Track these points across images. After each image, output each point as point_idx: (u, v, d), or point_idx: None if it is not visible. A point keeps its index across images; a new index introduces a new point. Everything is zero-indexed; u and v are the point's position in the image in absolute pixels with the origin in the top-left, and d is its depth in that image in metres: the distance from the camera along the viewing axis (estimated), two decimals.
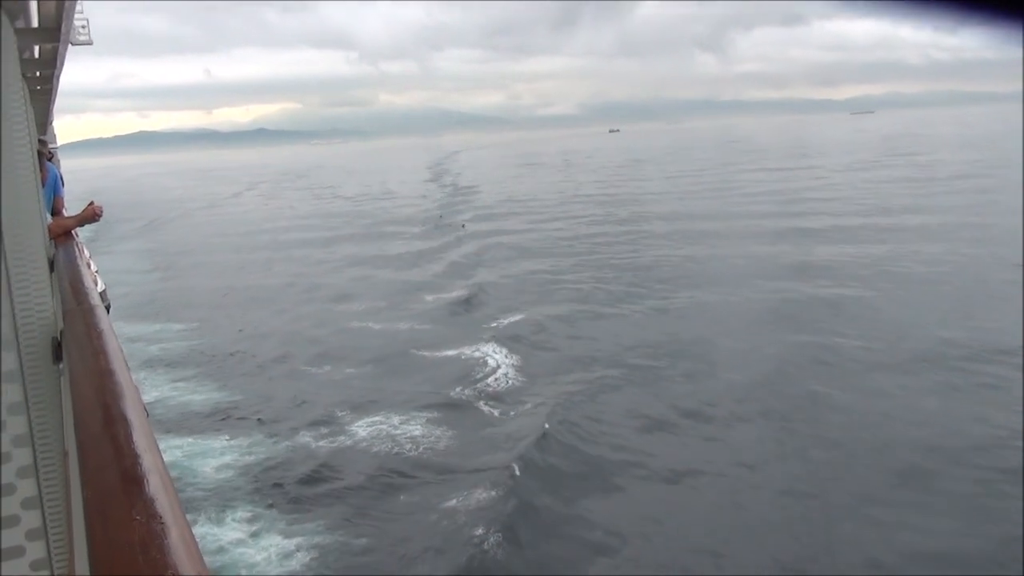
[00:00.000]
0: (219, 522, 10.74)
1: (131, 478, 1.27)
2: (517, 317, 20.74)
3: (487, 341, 18.42)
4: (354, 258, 33.68)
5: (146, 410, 1.73)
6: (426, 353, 18.08)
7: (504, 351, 17.34)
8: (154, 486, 1.24)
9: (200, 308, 24.58)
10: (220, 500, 11.30)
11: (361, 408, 14.78)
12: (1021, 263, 22.01)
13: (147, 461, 1.33)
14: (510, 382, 15.57)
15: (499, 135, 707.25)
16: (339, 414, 14.51)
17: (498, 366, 16.45)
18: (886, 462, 11.47)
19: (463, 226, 40.04)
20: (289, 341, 20.25)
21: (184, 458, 12.79)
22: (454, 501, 10.84)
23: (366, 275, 29.35)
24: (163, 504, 1.17)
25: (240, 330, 21.62)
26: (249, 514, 10.90)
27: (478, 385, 15.50)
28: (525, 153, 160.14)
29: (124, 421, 1.52)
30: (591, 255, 30.03)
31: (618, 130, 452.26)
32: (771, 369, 15.62)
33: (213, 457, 12.89)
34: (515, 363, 16.53)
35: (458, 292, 24.20)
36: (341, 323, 21.78)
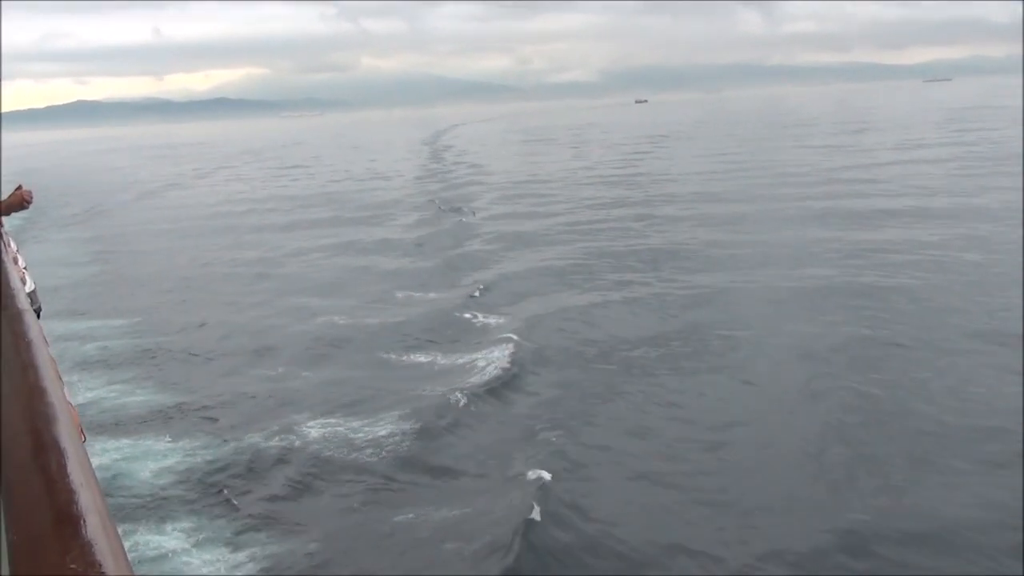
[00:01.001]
0: (159, 530, 11.61)
1: (65, 519, 1.26)
2: (513, 310, 21.65)
3: (479, 338, 19.30)
4: (327, 247, 34.90)
5: (83, 433, 1.79)
6: (400, 351, 19.03)
7: (500, 348, 18.08)
8: (92, 528, 1.23)
9: (145, 302, 25.71)
10: (160, 506, 12.23)
11: (318, 408, 15.75)
12: None
13: (84, 498, 1.33)
14: (501, 383, 16.27)
15: (504, 106, 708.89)
16: (293, 415, 15.48)
17: (488, 365, 17.12)
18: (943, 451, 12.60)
19: (474, 213, 40.78)
20: (243, 336, 21.40)
21: (121, 461, 13.76)
22: (411, 515, 11.61)
23: (340, 265, 30.54)
24: (102, 549, 1.16)
25: (201, 325, 22.73)
26: (191, 523, 11.76)
27: (462, 386, 16.27)
28: (533, 128, 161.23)
29: (57, 450, 1.51)
30: (609, 242, 31.01)
31: (645, 101, 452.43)
32: (812, 358, 16.96)
33: (153, 460, 13.85)
34: (509, 362, 17.23)
35: (451, 288, 25.20)
36: (304, 317, 22.87)
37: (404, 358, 18.61)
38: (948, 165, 49.01)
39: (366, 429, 14.68)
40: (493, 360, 17.55)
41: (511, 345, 18.42)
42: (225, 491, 12.68)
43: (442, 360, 18.24)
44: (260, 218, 46.10)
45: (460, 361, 17.97)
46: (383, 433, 14.45)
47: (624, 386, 16.17)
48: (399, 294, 24.98)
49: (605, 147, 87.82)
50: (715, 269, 25.47)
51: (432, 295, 24.57)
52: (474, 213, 40.38)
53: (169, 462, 13.75)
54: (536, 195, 46.44)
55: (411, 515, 11.66)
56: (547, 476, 12.18)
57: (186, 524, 11.74)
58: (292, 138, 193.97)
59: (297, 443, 14.21)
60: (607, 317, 20.83)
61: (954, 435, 13.20)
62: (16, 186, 5.24)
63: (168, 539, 11.41)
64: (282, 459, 13.69)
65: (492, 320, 21.08)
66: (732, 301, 21.71)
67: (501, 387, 16.21)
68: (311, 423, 15.02)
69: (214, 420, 15.61)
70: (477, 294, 23.00)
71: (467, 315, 21.64)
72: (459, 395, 15.77)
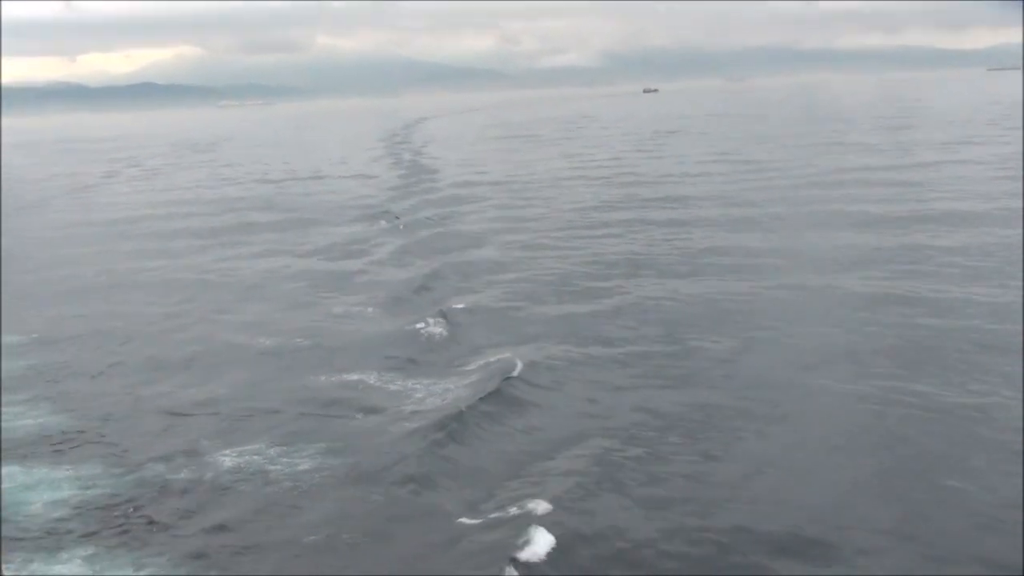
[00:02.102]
0: (49, 565, 12.63)
1: None
2: (465, 334, 22.86)
3: (422, 359, 20.43)
4: (251, 256, 36.41)
5: None
6: (331, 371, 20.23)
7: (442, 379, 19.18)
8: None
9: (40, 317, 26.81)
10: (53, 540, 13.27)
11: (232, 435, 16.86)
12: None
13: None
14: (447, 414, 17.17)
15: (485, 94, 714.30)
16: (203, 441, 16.60)
17: (427, 396, 18.25)
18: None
19: (397, 218, 43.33)
20: (152, 353, 22.71)
21: (11, 491, 14.78)
22: (333, 559, 12.50)
23: (265, 275, 31.98)
24: None
25: (104, 341, 23.97)
26: (88, 552, 12.81)
27: (401, 413, 17.39)
28: (517, 122, 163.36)
29: None
30: (585, 255, 32.51)
31: (656, 89, 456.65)
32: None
33: (47, 490, 14.88)
34: (447, 393, 18.41)
35: (394, 305, 26.51)
36: (222, 332, 24.17)
37: (335, 379, 19.77)
38: (991, 168, 50.81)
39: (284, 460, 15.59)
40: (436, 391, 18.55)
41: (462, 372, 19.63)
42: (126, 527, 13.53)
43: (376, 383, 19.36)
44: (180, 223, 47.65)
45: (394, 387, 19.04)
46: (304, 467, 15.27)
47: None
48: (336, 309, 26.26)
49: (598, 144, 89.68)
50: (706, 276, 26.98)
51: (371, 309, 25.93)
52: (397, 218, 41.66)
53: (65, 493, 14.70)
54: (506, 205, 47.70)
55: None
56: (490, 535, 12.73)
57: (82, 562, 12.61)
58: (230, 131, 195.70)
59: (208, 475, 15.10)
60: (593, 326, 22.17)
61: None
62: None
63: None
64: (189, 492, 14.59)
65: (437, 333, 22.40)
66: (746, 318, 23.07)
67: (449, 418, 16.76)
68: (225, 451, 15.99)
69: (116, 446, 16.67)
70: (426, 323, 23.67)
71: (408, 332, 22.92)
72: (398, 425, 16.71)
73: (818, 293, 25.22)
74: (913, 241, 31.43)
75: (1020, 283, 24.48)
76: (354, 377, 19.75)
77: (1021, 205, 36.58)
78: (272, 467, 15.40)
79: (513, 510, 13.28)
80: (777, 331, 21.77)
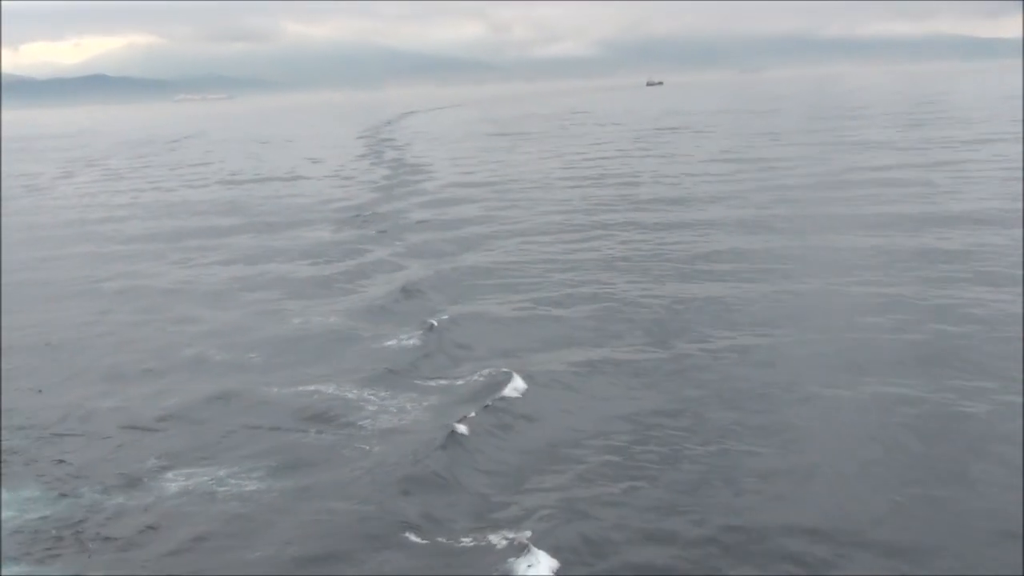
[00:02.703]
0: None
1: None
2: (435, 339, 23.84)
3: (375, 382, 20.90)
4: (221, 262, 37.42)
5: None
6: (289, 382, 21.15)
7: (405, 397, 19.88)
8: None
9: None
10: None
11: (186, 454, 17.45)
12: None
13: None
14: (397, 430, 18.01)
15: (473, 88, 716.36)
16: (153, 460, 17.18)
17: (381, 411, 19.01)
18: None
19: (371, 222, 44.63)
20: (93, 362, 23.60)
21: None
22: None
23: (233, 284, 32.87)
24: None
25: (42, 348, 24.82)
26: None
27: (359, 426, 18.22)
28: (508, 118, 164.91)
29: None
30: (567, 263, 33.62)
31: (660, 82, 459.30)
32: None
33: None
34: (413, 411, 19.15)
35: (358, 314, 27.41)
36: (181, 345, 25.04)
37: (293, 390, 20.57)
38: (1006, 168, 52.29)
39: (235, 482, 16.03)
40: (410, 405, 19.30)
41: (444, 385, 20.42)
42: (61, 553, 13.95)
43: (334, 393, 20.22)
44: (138, 226, 48.79)
45: (352, 395, 19.95)
46: (252, 488, 15.75)
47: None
48: (295, 320, 27.09)
49: (593, 142, 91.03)
50: (703, 280, 28.19)
51: (346, 319, 26.75)
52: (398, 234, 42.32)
53: None
54: (493, 208, 48.80)
55: None
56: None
57: None
58: (189, 128, 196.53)
59: (150, 499, 15.54)
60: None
61: None
62: None
63: None
64: (134, 516, 14.98)
65: (414, 344, 23.33)
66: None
67: (429, 433, 17.42)
68: (176, 472, 16.55)
69: (61, 465, 17.14)
70: (406, 333, 24.48)
71: (387, 343, 23.77)
72: (373, 443, 17.40)
73: (824, 297, 26.36)
74: (922, 244, 32.63)
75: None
76: (327, 390, 20.46)
77: (1021, 207, 38.11)
78: (222, 488, 15.86)
79: (503, 534, 13.72)
80: (781, 338, 22.75)
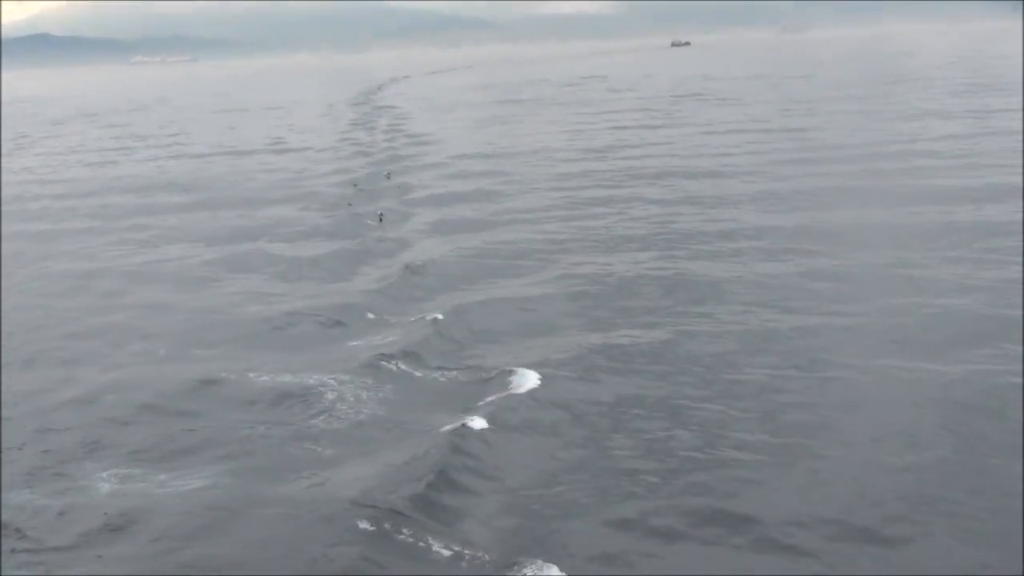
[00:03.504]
0: None
1: None
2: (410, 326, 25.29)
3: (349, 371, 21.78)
4: (170, 239, 39.15)
5: None
6: (237, 369, 22.25)
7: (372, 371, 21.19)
8: None
9: None
10: None
11: (113, 450, 18.24)
12: None
13: None
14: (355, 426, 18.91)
15: (473, 49, 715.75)
16: (85, 462, 17.83)
17: (342, 398, 20.05)
18: None
19: (350, 204, 45.45)
20: (28, 351, 24.76)
21: None
22: None
23: (183, 272, 34.07)
24: None
25: None
26: None
27: (311, 426, 19.01)
28: (510, 85, 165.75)
29: None
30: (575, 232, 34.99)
31: (686, 43, 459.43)
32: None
33: None
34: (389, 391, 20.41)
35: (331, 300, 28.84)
36: (114, 329, 26.42)
37: (263, 381, 21.54)
38: None
39: (176, 483, 16.74)
40: (359, 383, 20.57)
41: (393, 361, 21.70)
42: None
43: (291, 380, 21.26)
44: (80, 203, 50.54)
45: (312, 381, 20.99)
46: (192, 487, 16.47)
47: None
48: (271, 305, 28.24)
49: (602, 111, 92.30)
50: (722, 258, 29.63)
51: (299, 303, 28.04)
52: (380, 218, 43.44)
53: None
54: (484, 186, 49.96)
55: None
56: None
57: None
58: (147, 95, 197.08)
59: (82, 500, 16.23)
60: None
61: None
62: None
63: None
64: (63, 518, 15.67)
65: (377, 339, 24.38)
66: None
67: (369, 420, 18.69)
68: (103, 473, 17.19)
69: None
70: (377, 333, 25.25)
71: (335, 329, 25.17)
72: (307, 433, 18.48)
73: (859, 274, 28.04)
74: (965, 219, 34.11)
75: None
76: (304, 381, 21.32)
77: None
78: (158, 491, 16.43)
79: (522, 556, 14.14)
80: (809, 318, 24.30)
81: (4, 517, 15.53)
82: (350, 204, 45.69)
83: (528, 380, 20.38)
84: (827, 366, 20.88)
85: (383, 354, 22.23)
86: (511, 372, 20.88)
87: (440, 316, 25.21)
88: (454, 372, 21.54)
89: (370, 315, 26.37)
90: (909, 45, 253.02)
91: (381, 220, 41.18)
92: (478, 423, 18.13)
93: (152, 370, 22.93)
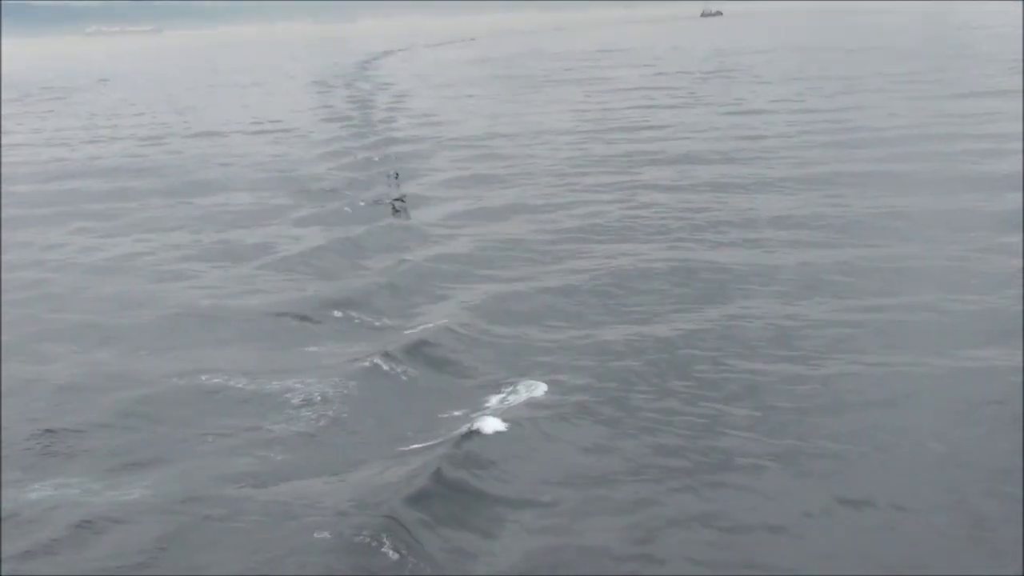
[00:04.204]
0: None
1: None
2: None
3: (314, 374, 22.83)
4: (130, 229, 40.70)
5: None
6: (182, 379, 23.16)
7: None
8: None
9: None
10: None
11: (61, 458, 19.15)
12: None
13: None
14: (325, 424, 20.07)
15: (473, 18, 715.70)
16: (20, 463, 18.85)
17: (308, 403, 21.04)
18: None
19: (397, 202, 44.65)
20: None
21: None
22: None
23: (137, 257, 35.94)
24: None
25: None
26: None
27: (271, 433, 19.86)
28: (514, 58, 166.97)
29: None
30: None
31: (718, 13, 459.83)
32: None
33: None
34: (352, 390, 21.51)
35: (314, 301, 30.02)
36: (75, 357, 26.60)
37: (200, 382, 22.64)
38: None
39: (110, 494, 17.42)
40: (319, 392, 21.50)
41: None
42: None
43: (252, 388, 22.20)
44: (34, 187, 52.36)
45: (274, 386, 21.99)
46: (130, 500, 17.11)
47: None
48: (214, 299, 29.92)
49: (616, 88, 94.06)
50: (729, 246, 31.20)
51: (285, 297, 29.46)
52: (395, 204, 44.22)
53: None
54: (483, 174, 51.51)
55: None
56: None
57: None
58: (106, 68, 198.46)
59: (25, 512, 16.99)
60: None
61: None
62: None
63: None
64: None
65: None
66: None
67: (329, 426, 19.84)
68: (36, 484, 17.96)
69: None
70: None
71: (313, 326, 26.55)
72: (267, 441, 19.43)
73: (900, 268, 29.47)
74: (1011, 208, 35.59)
75: None
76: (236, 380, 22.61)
77: None
78: (90, 500, 17.22)
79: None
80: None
81: None
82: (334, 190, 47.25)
83: (537, 389, 21.06)
84: (862, 362, 22.19)
85: (385, 353, 23.15)
86: (518, 379, 21.66)
87: (444, 319, 26.11)
88: (453, 378, 22.46)
89: (355, 314, 27.53)
90: (984, 18, 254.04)
91: (395, 209, 41.76)
92: (489, 426, 18.92)
93: (115, 371, 24.02)
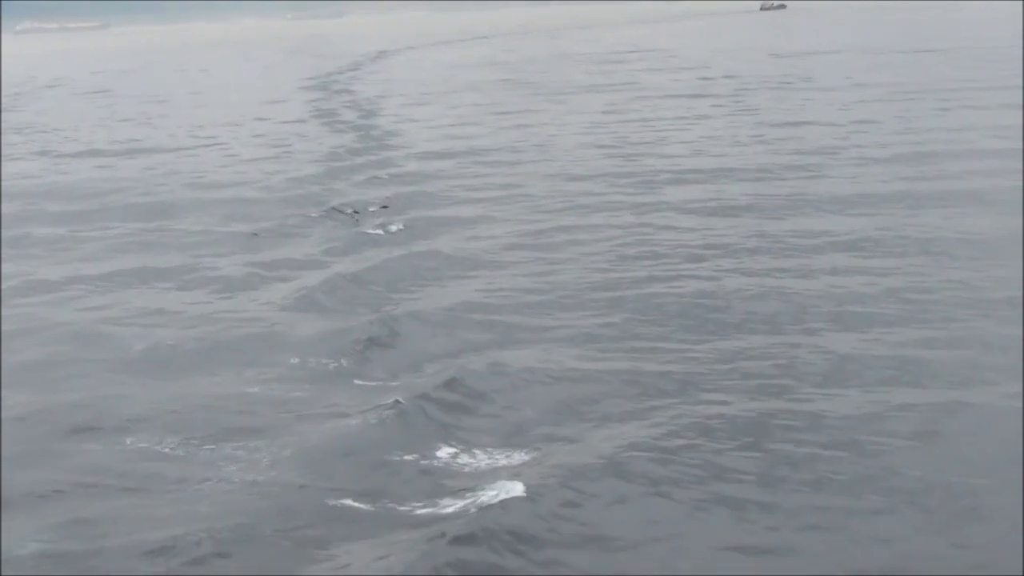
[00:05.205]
0: None
1: None
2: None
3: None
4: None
5: None
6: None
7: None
8: None
9: None
10: None
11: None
12: None
13: None
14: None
15: (482, 14, 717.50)
16: None
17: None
18: None
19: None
20: None
21: None
22: None
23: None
24: None
25: None
26: None
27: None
28: (527, 62, 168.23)
29: None
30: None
31: (781, 5, 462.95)
32: None
33: None
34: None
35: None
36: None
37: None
38: None
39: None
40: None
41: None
42: None
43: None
44: None
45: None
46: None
47: None
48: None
49: (646, 96, 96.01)
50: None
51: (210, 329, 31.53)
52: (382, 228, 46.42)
53: None
54: (497, 197, 53.02)
55: None
56: None
57: None
58: (41, 73, 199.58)
59: None
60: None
61: None
62: None
63: None
64: None
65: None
66: None
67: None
68: None
69: None
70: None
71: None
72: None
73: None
74: None
75: None
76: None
77: None
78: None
79: None
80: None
81: None
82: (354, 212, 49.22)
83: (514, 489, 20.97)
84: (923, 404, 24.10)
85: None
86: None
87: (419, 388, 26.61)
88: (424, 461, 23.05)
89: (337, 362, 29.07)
90: None
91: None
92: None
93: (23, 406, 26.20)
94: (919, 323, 29.35)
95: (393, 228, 45.91)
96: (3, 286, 38.71)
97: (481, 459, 22.73)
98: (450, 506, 20.15)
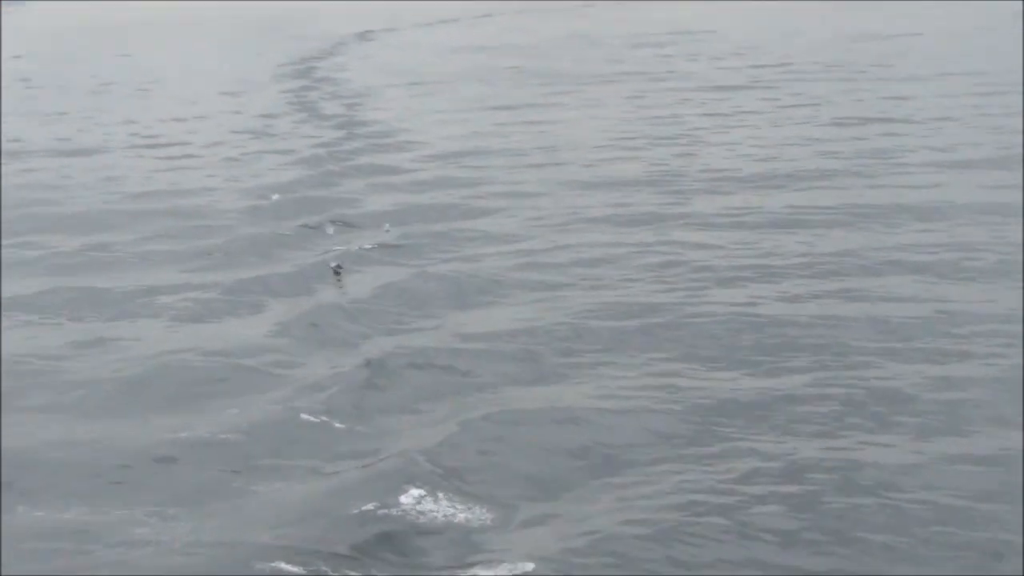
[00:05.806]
0: None
1: None
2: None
3: None
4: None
5: None
6: None
7: None
8: None
9: None
10: None
11: None
12: None
13: None
14: None
15: None
16: None
17: None
18: None
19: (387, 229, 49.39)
20: None
21: None
22: None
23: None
24: None
25: None
26: None
27: None
28: (539, 46, 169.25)
29: None
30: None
31: None
32: None
33: None
34: None
35: None
36: None
37: None
38: None
39: None
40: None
41: None
42: None
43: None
44: None
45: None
46: None
47: None
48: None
49: (685, 87, 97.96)
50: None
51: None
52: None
53: None
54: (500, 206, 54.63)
55: None
56: None
57: None
58: None
59: None
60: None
61: None
62: None
63: None
64: None
65: None
66: None
67: None
68: None
69: None
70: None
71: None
72: None
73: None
74: None
75: None
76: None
77: None
78: None
79: None
80: None
81: None
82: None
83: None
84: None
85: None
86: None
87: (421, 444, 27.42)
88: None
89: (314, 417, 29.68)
90: None
91: (338, 274, 43.97)
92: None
93: None
94: (982, 358, 30.70)
95: (386, 244, 47.00)
96: None
97: (488, 528, 22.67)
98: None
